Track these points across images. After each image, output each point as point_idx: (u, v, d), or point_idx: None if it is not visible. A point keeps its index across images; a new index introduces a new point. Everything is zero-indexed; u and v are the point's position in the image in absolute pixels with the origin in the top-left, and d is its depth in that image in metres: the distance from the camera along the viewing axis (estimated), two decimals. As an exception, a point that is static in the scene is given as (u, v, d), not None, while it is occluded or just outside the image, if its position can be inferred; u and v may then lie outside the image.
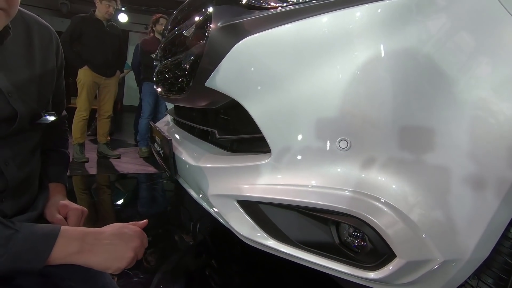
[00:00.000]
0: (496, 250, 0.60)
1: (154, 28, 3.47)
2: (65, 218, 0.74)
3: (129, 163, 3.14)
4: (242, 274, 1.40)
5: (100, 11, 2.81)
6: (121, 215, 1.97)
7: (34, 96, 0.66)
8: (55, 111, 0.75)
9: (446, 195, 0.51)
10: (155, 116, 3.52)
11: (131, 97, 8.05)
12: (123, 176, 2.78)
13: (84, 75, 2.82)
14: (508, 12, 0.49)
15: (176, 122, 1.32)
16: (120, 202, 2.26)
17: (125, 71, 4.70)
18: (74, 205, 0.76)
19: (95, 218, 1.83)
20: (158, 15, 3.48)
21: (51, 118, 0.68)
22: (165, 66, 1.04)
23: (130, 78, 5.66)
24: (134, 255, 0.57)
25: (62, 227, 0.54)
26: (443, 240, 0.50)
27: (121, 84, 7.56)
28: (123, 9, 7.72)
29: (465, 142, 0.50)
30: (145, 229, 0.66)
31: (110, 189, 2.55)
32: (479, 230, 0.50)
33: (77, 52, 2.80)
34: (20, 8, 0.64)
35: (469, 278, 0.62)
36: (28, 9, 0.66)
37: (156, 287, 1.22)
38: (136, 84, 4.13)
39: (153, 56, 3.27)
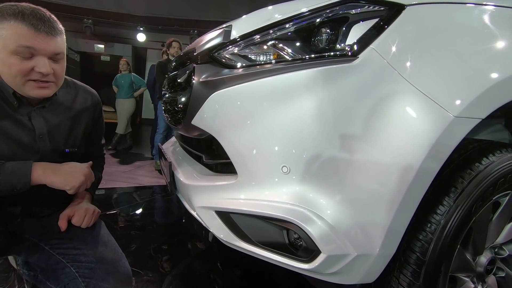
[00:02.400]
0: (410, 249, 0.77)
1: (168, 52, 3.77)
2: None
3: (145, 175, 3.42)
4: (244, 277, 1.60)
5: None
6: (136, 224, 2.21)
7: (62, 139, 0.98)
8: (94, 150, 1.15)
9: (357, 205, 0.69)
10: (170, 131, 3.80)
11: (148, 111, 8.52)
12: (140, 188, 3.05)
13: None
14: (400, 74, 0.68)
15: (180, 143, 1.55)
16: (136, 211, 2.51)
17: (141, 89, 5.06)
18: (83, 208, 1.02)
19: (114, 226, 2.08)
20: (171, 39, 3.77)
21: (71, 152, 1.02)
22: (168, 99, 1.28)
23: (147, 94, 6.09)
24: (85, 179, 0.91)
25: (34, 162, 0.87)
26: (355, 239, 0.68)
27: (139, 100, 8.01)
28: (141, 29, 8.25)
29: (368, 161, 0.68)
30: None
31: (128, 199, 2.82)
32: (382, 231, 0.68)
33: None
34: (76, 81, 1.07)
35: (393, 271, 0.79)
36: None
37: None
38: (151, 101, 4.47)
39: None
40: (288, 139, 0.73)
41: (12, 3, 0.84)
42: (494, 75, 0.69)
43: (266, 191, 0.77)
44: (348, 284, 0.79)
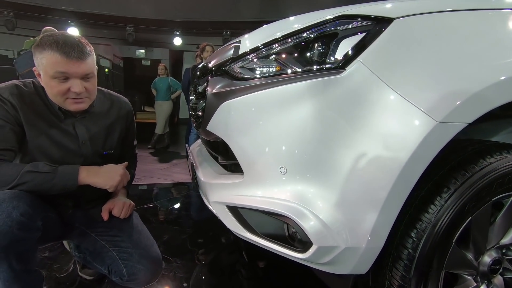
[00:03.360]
0: (403, 245, 0.82)
1: (202, 55, 3.96)
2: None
3: (180, 173, 3.66)
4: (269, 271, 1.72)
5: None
6: (170, 217, 2.42)
7: (101, 143, 1.17)
8: (128, 151, 1.32)
9: (346, 203, 0.76)
10: (202, 131, 4.00)
11: (185, 111, 8.97)
12: (175, 184, 3.29)
13: None
14: (385, 83, 0.74)
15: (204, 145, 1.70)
16: (171, 206, 2.74)
17: (178, 91, 5.36)
18: (121, 201, 1.19)
19: (151, 218, 2.30)
20: (204, 44, 3.96)
21: (109, 153, 1.22)
22: (192, 105, 1.42)
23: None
24: (121, 179, 1.08)
25: (80, 166, 1.05)
26: (344, 233, 0.76)
27: (177, 101, 8.41)
28: (178, 33, 8.67)
29: (356, 164, 0.75)
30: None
31: (165, 195, 3.07)
32: (369, 226, 0.74)
33: None
34: (111, 92, 1.25)
35: (387, 265, 0.85)
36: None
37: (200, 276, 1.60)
38: (186, 103, 4.74)
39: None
40: (285, 143, 0.82)
41: (49, 33, 1.01)
42: (478, 82, 0.72)
43: (267, 189, 0.87)
44: (345, 275, 0.87)
